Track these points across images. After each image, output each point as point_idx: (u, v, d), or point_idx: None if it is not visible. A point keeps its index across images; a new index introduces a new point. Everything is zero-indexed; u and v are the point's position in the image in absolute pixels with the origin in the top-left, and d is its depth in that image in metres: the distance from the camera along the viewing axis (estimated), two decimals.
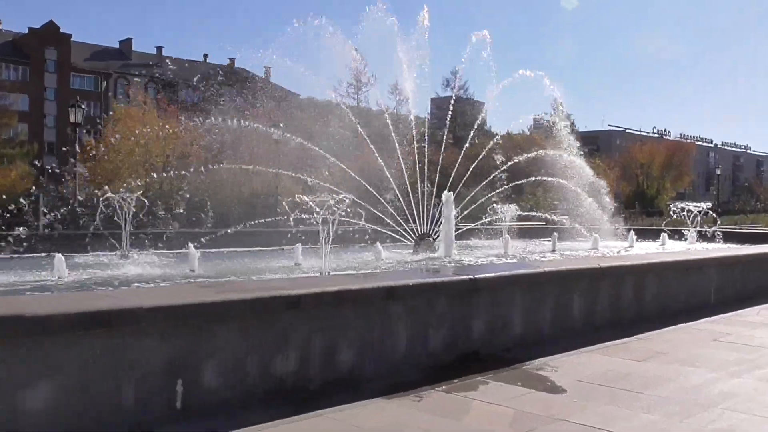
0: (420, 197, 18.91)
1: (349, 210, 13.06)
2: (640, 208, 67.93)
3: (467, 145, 21.13)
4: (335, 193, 14.98)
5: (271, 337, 4.92)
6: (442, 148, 20.31)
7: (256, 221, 16.74)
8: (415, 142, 20.24)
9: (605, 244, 21.49)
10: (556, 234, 20.25)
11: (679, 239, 22.33)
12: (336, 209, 12.15)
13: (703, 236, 22.02)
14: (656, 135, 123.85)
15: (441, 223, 17.26)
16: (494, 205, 21.22)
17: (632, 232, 22.41)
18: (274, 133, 20.68)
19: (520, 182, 21.72)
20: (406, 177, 19.26)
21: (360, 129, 19.32)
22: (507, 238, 18.94)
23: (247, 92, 34.77)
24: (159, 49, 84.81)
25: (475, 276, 6.48)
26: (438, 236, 17.28)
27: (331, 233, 12.07)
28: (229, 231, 16.34)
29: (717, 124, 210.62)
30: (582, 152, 27.35)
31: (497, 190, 21.36)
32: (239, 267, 13.74)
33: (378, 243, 16.33)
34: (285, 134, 20.06)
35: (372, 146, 19.78)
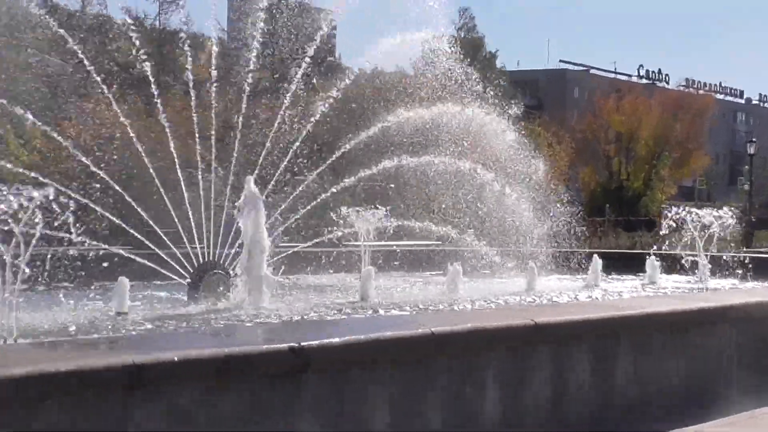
0: (203, 193, 18.70)
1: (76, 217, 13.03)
2: (615, 213, 70.68)
3: (290, 95, 21.07)
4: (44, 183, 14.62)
5: None
6: (244, 100, 20.19)
7: None
8: (190, 83, 20.09)
9: (549, 281, 22.14)
10: (459, 266, 20.55)
11: (682, 271, 23.12)
12: (38, 217, 11.84)
13: (722, 267, 22.96)
14: (644, 80, 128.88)
15: (242, 242, 17.09)
16: (346, 209, 21.31)
17: (597, 259, 23.15)
18: None
19: (396, 164, 21.90)
20: (173, 152, 19.05)
21: (79, 51, 18.92)
22: (369, 270, 19.11)
23: None
24: None
25: (303, 344, 6.58)
26: (239, 268, 17.17)
27: (23, 265, 11.70)
28: None
29: (749, 66, 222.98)
30: (508, 109, 27.87)
31: (356, 177, 21.40)
32: None
33: (123, 282, 16.05)
34: None
35: (104, 88, 19.47)
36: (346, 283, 20.56)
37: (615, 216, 69.19)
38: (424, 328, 7.66)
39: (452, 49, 25.44)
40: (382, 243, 23.29)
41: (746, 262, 22.80)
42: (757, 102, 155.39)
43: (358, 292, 18.69)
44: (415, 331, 7.67)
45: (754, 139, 78.30)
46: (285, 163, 20.48)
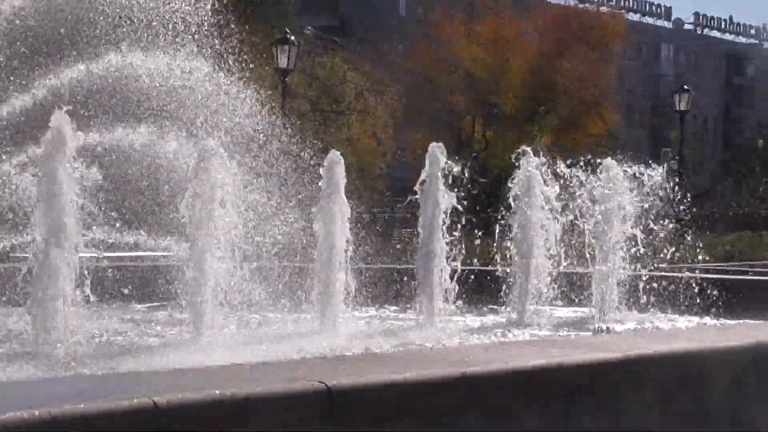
0: None
1: None
2: (466, 207, 66.95)
3: None
4: None
5: None
6: None
7: None
8: None
9: (358, 318, 20.97)
10: (208, 293, 19.05)
11: (569, 300, 22.33)
12: None
13: (641, 293, 21.84)
14: None
15: None
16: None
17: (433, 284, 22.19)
18: None
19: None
20: None
21: None
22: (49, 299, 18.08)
23: None
24: None
25: None
26: None
27: None
28: None
29: None
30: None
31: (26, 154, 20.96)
32: None
33: None
34: None
35: None
36: (9, 323, 19.20)
37: (466, 211, 64.51)
38: (142, 397, 6.93)
39: None
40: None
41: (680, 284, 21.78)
42: (690, 26, 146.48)
43: (29, 335, 17.30)
44: (128, 402, 6.83)
45: (686, 87, 65.29)
46: None
